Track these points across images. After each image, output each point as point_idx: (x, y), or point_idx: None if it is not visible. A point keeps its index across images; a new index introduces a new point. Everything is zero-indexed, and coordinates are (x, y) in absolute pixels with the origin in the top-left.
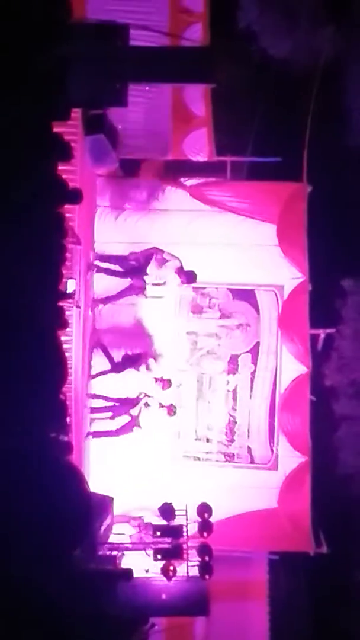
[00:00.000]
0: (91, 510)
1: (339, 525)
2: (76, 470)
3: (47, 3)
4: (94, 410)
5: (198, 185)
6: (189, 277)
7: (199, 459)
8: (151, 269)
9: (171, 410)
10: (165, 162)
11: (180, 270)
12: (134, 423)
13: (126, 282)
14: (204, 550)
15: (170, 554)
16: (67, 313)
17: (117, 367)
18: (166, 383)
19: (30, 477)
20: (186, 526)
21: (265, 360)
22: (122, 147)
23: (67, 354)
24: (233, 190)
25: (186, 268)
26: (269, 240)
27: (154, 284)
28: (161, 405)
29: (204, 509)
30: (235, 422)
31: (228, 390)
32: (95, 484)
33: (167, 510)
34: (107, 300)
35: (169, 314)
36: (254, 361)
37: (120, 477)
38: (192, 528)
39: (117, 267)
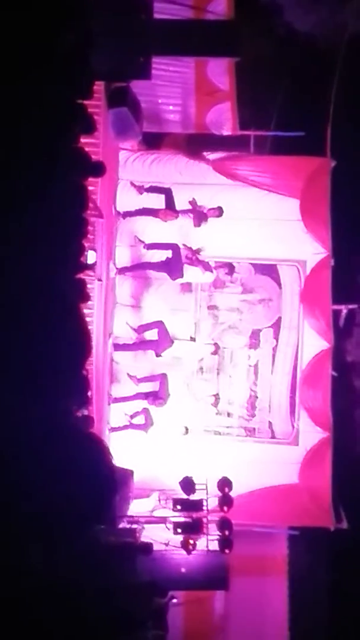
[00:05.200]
0: (115, 482)
1: None
2: (100, 442)
3: None
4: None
5: (221, 159)
6: (220, 210)
7: (219, 433)
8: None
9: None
10: (188, 136)
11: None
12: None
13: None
14: (224, 524)
15: (190, 528)
16: (88, 286)
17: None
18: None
19: (54, 449)
20: (206, 500)
21: (287, 335)
22: (145, 120)
23: (89, 327)
24: (256, 165)
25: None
26: (292, 215)
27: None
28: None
29: (225, 484)
30: (257, 397)
31: (249, 365)
32: (116, 457)
33: (187, 484)
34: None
35: (190, 289)
36: (276, 336)
37: (140, 450)
38: (213, 502)
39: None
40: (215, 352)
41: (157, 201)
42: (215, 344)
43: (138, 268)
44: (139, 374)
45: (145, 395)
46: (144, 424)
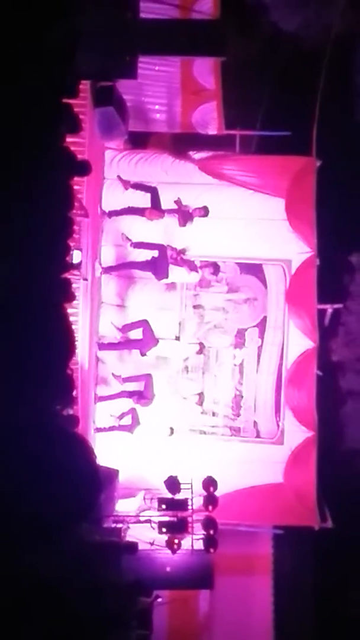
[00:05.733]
0: (99, 481)
1: (344, 500)
2: (84, 441)
3: None
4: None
5: (207, 158)
6: (206, 210)
7: (204, 432)
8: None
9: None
10: (174, 135)
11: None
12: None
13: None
14: (209, 523)
15: (175, 527)
16: (74, 286)
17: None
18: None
19: (38, 449)
20: (191, 500)
21: (272, 334)
22: (131, 119)
23: (73, 327)
24: (242, 164)
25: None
26: (278, 215)
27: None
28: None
29: (210, 483)
30: (242, 397)
31: (235, 365)
32: (102, 457)
33: (172, 484)
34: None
35: (175, 288)
36: (261, 335)
37: (126, 450)
38: (198, 502)
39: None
40: (200, 352)
41: (142, 200)
42: (201, 343)
43: (123, 267)
44: (124, 373)
45: (130, 394)
46: (130, 424)
